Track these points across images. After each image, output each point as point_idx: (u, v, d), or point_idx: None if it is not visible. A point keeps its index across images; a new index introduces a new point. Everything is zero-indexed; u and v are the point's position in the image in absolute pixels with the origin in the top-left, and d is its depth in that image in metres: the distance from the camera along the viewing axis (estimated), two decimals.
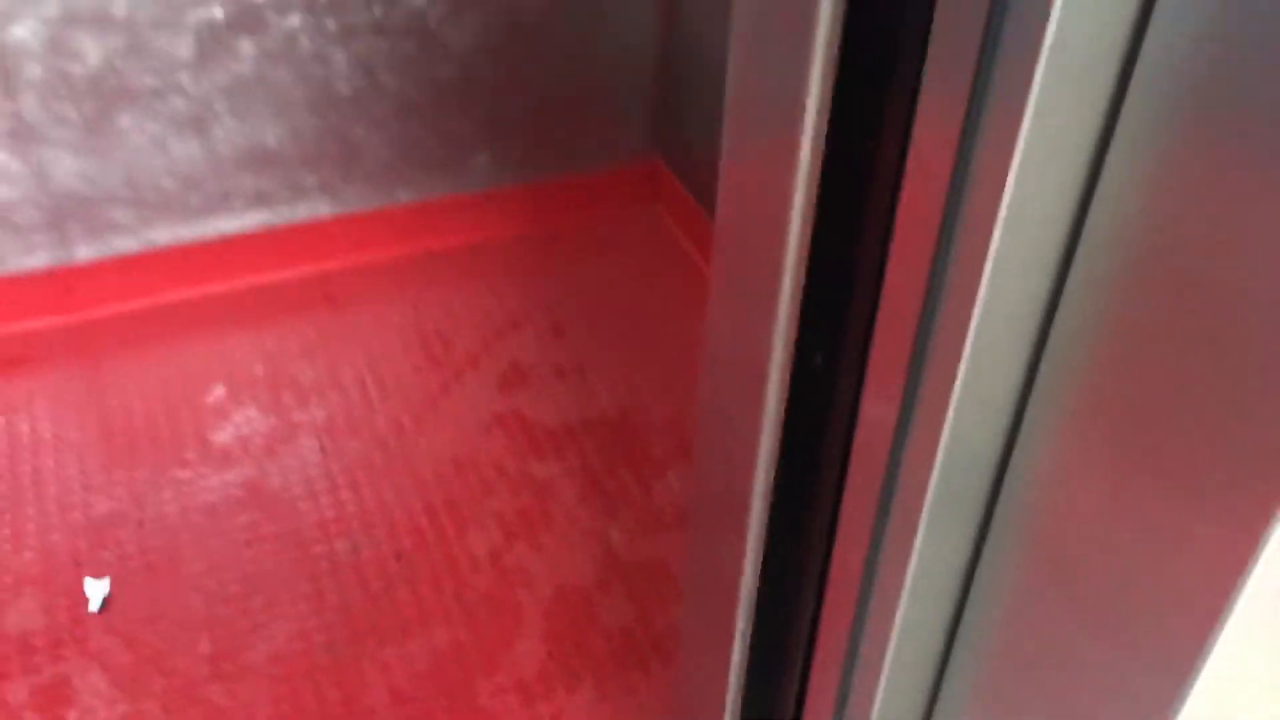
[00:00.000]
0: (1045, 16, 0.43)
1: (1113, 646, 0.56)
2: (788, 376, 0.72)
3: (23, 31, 1.61)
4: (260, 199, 1.91)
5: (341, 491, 1.64)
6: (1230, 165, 0.42)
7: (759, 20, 0.61)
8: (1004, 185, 0.47)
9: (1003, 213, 0.48)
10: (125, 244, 1.86)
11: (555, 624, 1.49)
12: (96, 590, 1.49)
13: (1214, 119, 0.42)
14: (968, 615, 0.70)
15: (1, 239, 1.77)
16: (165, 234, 1.87)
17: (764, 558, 0.87)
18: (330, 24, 1.77)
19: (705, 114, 2.00)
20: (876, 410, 0.64)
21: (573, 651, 1.45)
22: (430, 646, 1.45)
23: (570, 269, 2.07)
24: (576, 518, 1.63)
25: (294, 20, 1.75)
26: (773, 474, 0.80)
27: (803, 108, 0.58)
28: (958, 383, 0.56)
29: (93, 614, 1.47)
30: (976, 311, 0.53)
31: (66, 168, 1.75)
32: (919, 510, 0.63)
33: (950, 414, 0.57)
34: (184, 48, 1.70)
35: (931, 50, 0.49)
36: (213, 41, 1.72)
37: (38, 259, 1.82)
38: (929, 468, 0.60)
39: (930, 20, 0.49)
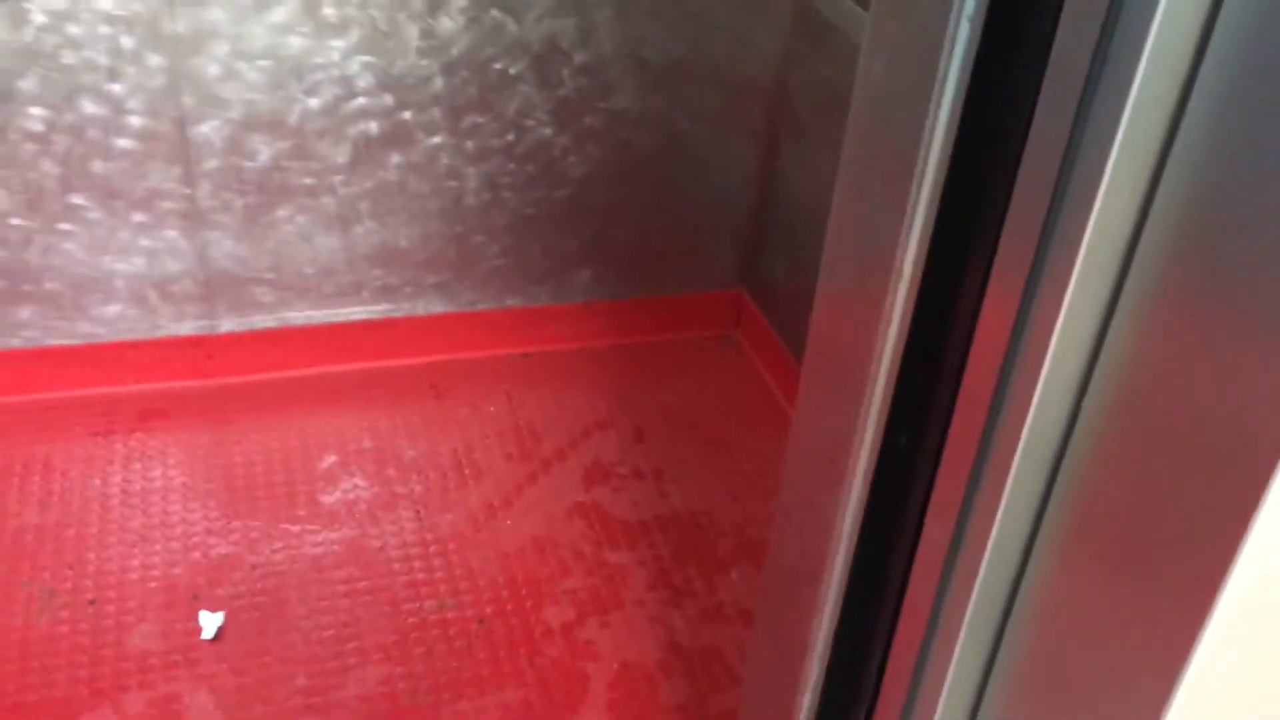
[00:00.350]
0: (1083, 229, 0.61)
1: (1093, 690, 0.71)
2: (872, 466, 0.89)
3: (207, 129, 1.86)
4: (385, 292, 2.13)
5: (433, 558, 1.81)
6: (1192, 346, 0.59)
7: (861, 181, 0.81)
8: (1047, 351, 0.66)
9: (1043, 376, 0.67)
10: (263, 321, 2.08)
11: (618, 695, 1.62)
12: (210, 621, 1.65)
13: (1184, 310, 0.59)
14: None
15: (160, 307, 2.01)
16: (299, 315, 2.10)
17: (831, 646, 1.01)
18: (468, 145, 2.01)
19: (790, 255, 2.20)
20: (936, 531, 0.81)
21: None
22: (502, 703, 1.59)
23: (655, 382, 2.25)
24: (644, 603, 1.77)
25: (437, 139, 1.99)
26: (844, 575, 0.95)
27: (900, 271, 0.77)
28: (1000, 508, 0.73)
29: (205, 642, 1.63)
30: (1016, 460, 0.70)
31: (224, 249, 1.99)
32: (964, 611, 0.79)
33: (994, 533, 0.74)
34: (341, 155, 1.95)
35: (1004, 240, 0.68)
36: (366, 151, 1.96)
37: (186, 327, 2.04)
38: (974, 576, 0.77)
39: (1006, 209, 0.68)
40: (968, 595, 0.79)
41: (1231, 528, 0.58)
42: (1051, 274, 0.65)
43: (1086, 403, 0.68)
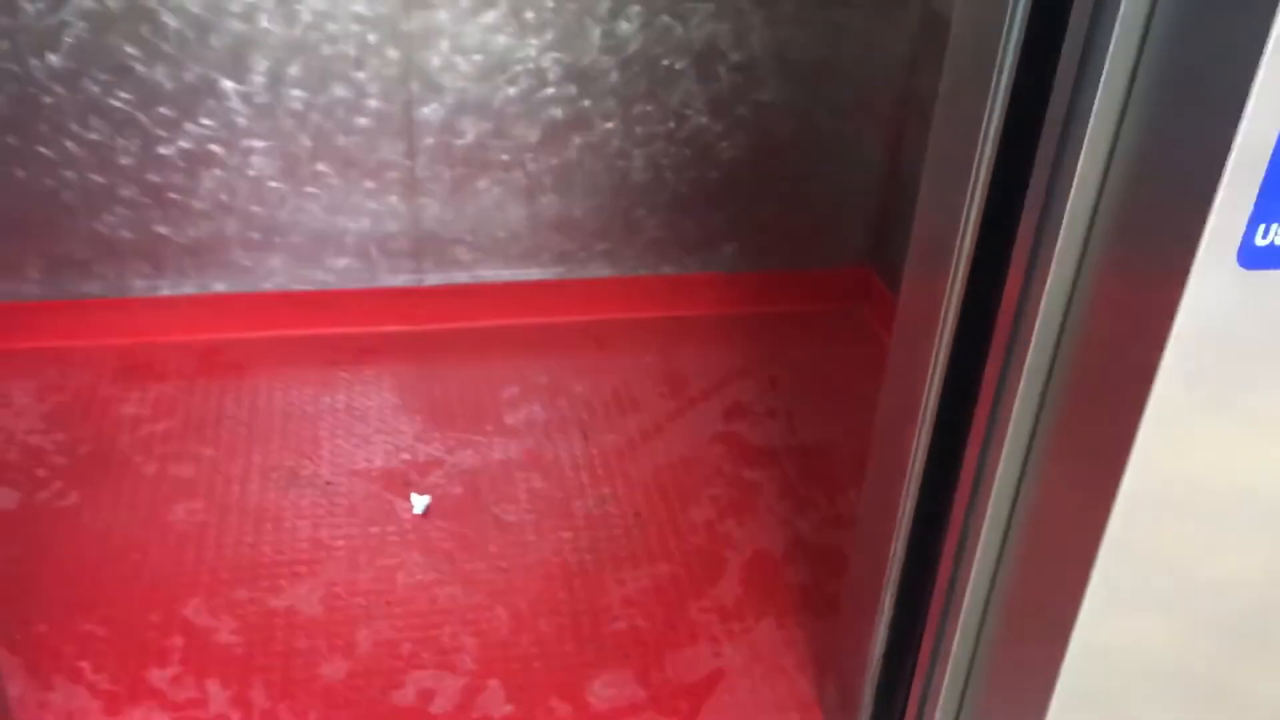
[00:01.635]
0: (1059, 224, 0.93)
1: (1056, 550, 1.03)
2: (931, 428, 1.27)
3: (428, 112, 2.28)
4: (561, 256, 2.51)
5: (597, 468, 2.16)
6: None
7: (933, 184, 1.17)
8: (1038, 313, 1.01)
9: (1037, 327, 1.01)
10: (461, 277, 2.48)
11: (751, 575, 1.93)
12: (420, 501, 2.04)
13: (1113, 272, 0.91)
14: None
15: (379, 261, 2.43)
16: (490, 273, 2.49)
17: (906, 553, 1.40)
18: (637, 130, 2.38)
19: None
20: (972, 449, 1.18)
21: (762, 595, 1.89)
22: (655, 574, 1.92)
23: (789, 343, 2.57)
24: (774, 509, 2.08)
25: (611, 124, 2.37)
26: (916, 491, 1.33)
27: (958, 249, 1.13)
28: (1009, 431, 1.07)
29: (415, 516, 2.01)
30: (1020, 389, 1.04)
31: (433, 213, 2.40)
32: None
33: (1005, 448, 1.07)
34: (532, 135, 2.34)
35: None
36: (552, 133, 2.35)
37: (398, 279, 2.46)
38: (992, 484, 1.13)
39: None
40: (987, 499, 1.16)
41: (1129, 426, 0.93)
42: (1043, 254, 1.01)
43: (1060, 351, 1.04)
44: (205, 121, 2.20)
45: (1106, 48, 0.90)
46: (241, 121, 2.21)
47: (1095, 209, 0.97)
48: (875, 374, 2.49)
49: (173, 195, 2.26)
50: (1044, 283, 1.02)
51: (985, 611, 1.26)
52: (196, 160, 2.24)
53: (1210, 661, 1.12)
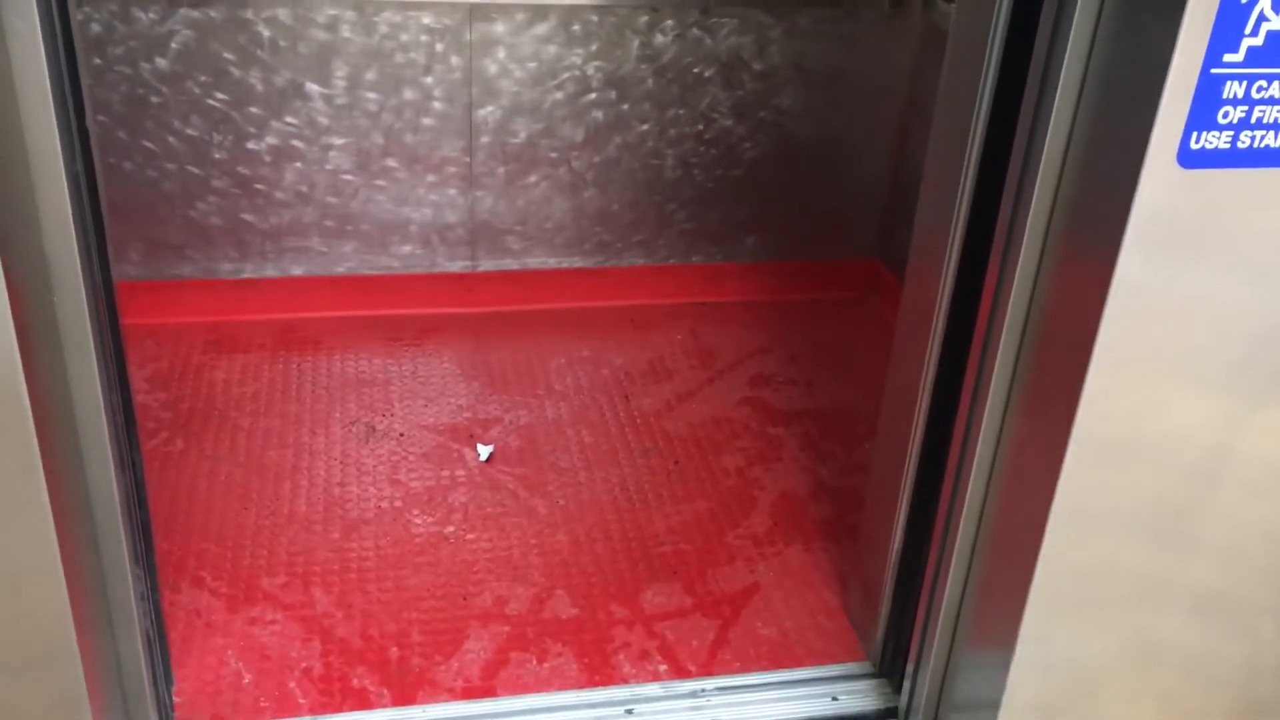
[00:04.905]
0: (1026, 214, 1.21)
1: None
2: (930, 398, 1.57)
3: (485, 113, 2.57)
4: (601, 247, 2.79)
5: (638, 425, 2.42)
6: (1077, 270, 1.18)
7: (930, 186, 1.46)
8: (1011, 290, 1.30)
9: (1011, 302, 1.31)
10: (510, 264, 2.76)
11: (779, 510, 2.19)
12: (485, 450, 2.29)
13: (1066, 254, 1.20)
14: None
15: (438, 248, 2.70)
16: (537, 261, 2.77)
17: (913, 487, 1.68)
18: (670, 132, 2.67)
19: None
20: (965, 400, 1.47)
21: (790, 526, 2.15)
22: (694, 510, 2.18)
23: (807, 325, 2.84)
24: (798, 459, 2.34)
25: (646, 126, 2.66)
26: (921, 437, 1.63)
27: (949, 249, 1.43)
28: (992, 383, 1.36)
29: (481, 463, 2.27)
30: (1000, 351, 1.31)
31: (487, 205, 2.68)
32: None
33: (989, 398, 1.35)
34: (577, 135, 2.63)
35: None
36: (595, 134, 2.64)
37: (455, 265, 2.74)
38: (979, 431, 1.40)
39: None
40: (976, 442, 1.47)
41: (1076, 379, 1.22)
42: (1014, 244, 1.31)
43: (1030, 320, 1.34)
44: (290, 120, 2.49)
45: (1068, 33, 1.20)
46: (323, 120, 2.49)
47: (1058, 185, 1.28)
48: (884, 352, 2.76)
49: (259, 186, 2.54)
50: (1019, 248, 1.33)
51: (978, 530, 1.55)
52: (281, 155, 2.52)
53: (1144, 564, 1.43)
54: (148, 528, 1.50)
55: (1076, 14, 1.18)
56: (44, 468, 1.18)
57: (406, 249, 2.69)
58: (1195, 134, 1.12)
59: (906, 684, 1.74)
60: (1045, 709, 1.52)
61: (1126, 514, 1.38)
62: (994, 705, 1.50)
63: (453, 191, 2.64)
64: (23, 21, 1.08)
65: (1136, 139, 1.13)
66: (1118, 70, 1.17)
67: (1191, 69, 1.09)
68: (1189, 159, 1.13)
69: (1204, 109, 1.11)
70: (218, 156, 2.49)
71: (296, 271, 2.66)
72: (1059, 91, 1.22)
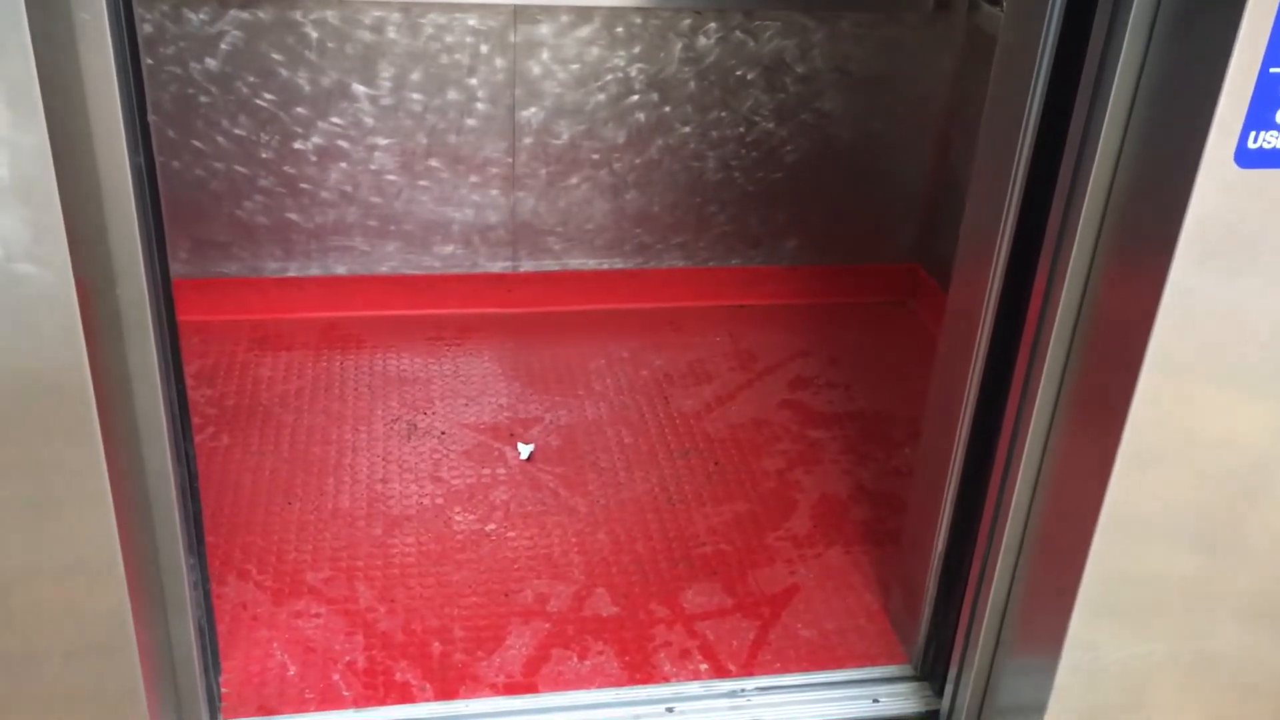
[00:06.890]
0: (1078, 218, 1.21)
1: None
2: (975, 402, 1.56)
3: (528, 114, 2.58)
4: (641, 248, 2.80)
5: (679, 427, 2.42)
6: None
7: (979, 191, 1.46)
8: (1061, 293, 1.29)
9: (1061, 304, 1.29)
10: (551, 265, 2.77)
11: (819, 513, 2.19)
12: (525, 449, 2.31)
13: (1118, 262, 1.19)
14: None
15: (480, 248, 2.72)
16: (577, 262, 2.78)
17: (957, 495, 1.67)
18: (711, 134, 2.68)
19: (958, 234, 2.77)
20: (1010, 410, 1.46)
21: (831, 528, 2.15)
22: (734, 511, 2.18)
23: (847, 328, 2.84)
24: (838, 462, 2.34)
25: (688, 129, 2.66)
26: (966, 441, 1.63)
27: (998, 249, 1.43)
28: (1040, 388, 1.35)
29: (521, 461, 2.28)
30: (1049, 352, 1.31)
31: (528, 206, 2.69)
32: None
33: (1037, 402, 1.34)
34: (620, 137, 2.64)
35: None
36: (637, 136, 2.65)
37: (496, 265, 2.75)
38: (1025, 434, 1.39)
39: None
40: (1022, 448, 1.46)
41: (1128, 384, 1.22)
42: (1064, 247, 1.31)
43: (1080, 324, 1.34)
44: (336, 120, 2.51)
45: (1124, 35, 1.19)
46: (368, 121, 2.52)
47: (1110, 187, 1.27)
48: (924, 357, 2.76)
49: (304, 186, 2.57)
50: (1069, 251, 1.32)
51: (1023, 534, 1.54)
52: (326, 155, 2.55)
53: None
54: (199, 519, 1.52)
55: (1132, 15, 1.18)
56: (105, 459, 1.20)
57: (448, 249, 2.71)
58: (1253, 133, 1.12)
59: (949, 687, 1.73)
60: (1090, 715, 1.51)
61: (1176, 521, 1.37)
62: (1039, 710, 1.50)
63: (495, 192, 2.66)
64: (89, 13, 1.10)
65: (1193, 139, 1.13)
66: (1174, 70, 1.17)
67: (1250, 67, 1.08)
68: (1246, 159, 1.13)
69: (1263, 108, 1.11)
70: (265, 156, 2.52)
71: (340, 271, 2.69)
72: (1113, 92, 1.22)
